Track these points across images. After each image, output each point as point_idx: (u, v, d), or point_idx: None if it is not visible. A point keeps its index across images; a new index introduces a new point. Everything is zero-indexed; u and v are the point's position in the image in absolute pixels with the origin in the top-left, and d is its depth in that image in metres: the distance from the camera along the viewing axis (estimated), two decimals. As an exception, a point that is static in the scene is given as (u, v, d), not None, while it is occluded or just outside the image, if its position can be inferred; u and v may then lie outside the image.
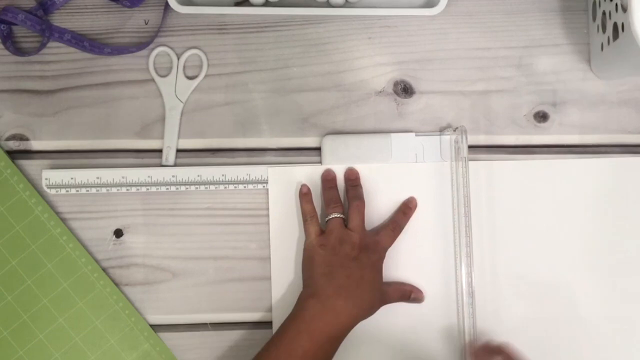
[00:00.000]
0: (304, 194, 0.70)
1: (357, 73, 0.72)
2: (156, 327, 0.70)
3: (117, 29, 0.73)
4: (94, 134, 0.71)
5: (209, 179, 0.70)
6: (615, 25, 0.64)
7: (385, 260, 0.68)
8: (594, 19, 0.71)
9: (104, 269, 0.70)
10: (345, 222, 0.68)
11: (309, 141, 0.72)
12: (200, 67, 0.72)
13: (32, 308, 0.69)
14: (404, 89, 0.72)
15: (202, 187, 0.70)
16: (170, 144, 0.71)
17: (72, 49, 0.72)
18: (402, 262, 0.70)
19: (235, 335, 0.70)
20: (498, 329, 0.70)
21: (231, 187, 0.70)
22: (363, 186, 0.70)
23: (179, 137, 0.71)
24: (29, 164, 0.71)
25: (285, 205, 0.70)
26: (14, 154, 0.71)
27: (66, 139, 0.71)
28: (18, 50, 0.72)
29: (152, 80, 0.72)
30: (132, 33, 0.73)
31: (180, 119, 0.72)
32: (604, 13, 0.68)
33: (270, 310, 0.70)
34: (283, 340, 0.63)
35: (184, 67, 0.72)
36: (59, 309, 0.69)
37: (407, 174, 0.71)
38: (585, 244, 0.71)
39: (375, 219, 0.71)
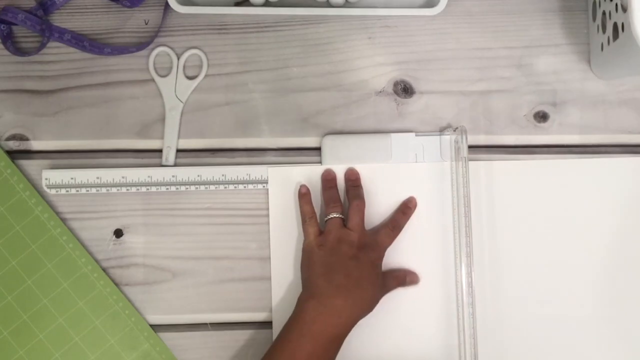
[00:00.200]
0: (303, 195, 0.70)
1: (357, 73, 0.72)
2: (156, 327, 0.70)
3: (117, 29, 0.73)
4: (94, 134, 0.71)
5: (209, 179, 0.70)
6: (615, 25, 0.64)
7: (385, 261, 0.68)
8: (594, 19, 0.71)
9: (104, 269, 0.70)
10: (344, 222, 0.68)
11: (309, 141, 0.72)
12: (200, 67, 0.72)
13: (32, 308, 0.69)
14: (404, 89, 0.72)
15: (202, 187, 0.70)
16: (170, 144, 0.71)
17: (72, 49, 0.72)
18: (402, 262, 0.70)
19: (235, 335, 0.70)
20: (498, 329, 0.70)
21: (231, 187, 0.70)
22: (363, 186, 0.70)
23: (179, 137, 0.71)
24: (29, 164, 0.71)
25: (285, 205, 0.70)
26: (14, 154, 0.71)
27: (66, 139, 0.71)
28: (18, 50, 0.72)
29: (152, 80, 0.72)
30: (132, 33, 0.73)
31: (180, 119, 0.72)
32: (604, 13, 0.68)
33: (270, 310, 0.70)
34: (285, 345, 0.63)
35: (184, 67, 0.72)
36: (59, 309, 0.69)
37: (407, 174, 0.71)
38: (585, 244, 0.71)
39: (375, 219, 0.71)
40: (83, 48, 0.71)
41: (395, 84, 0.72)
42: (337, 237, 0.66)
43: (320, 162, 0.71)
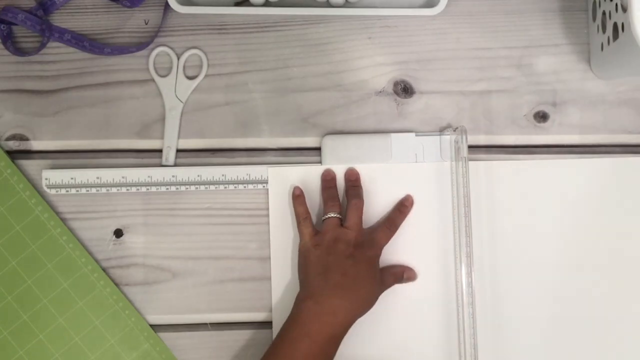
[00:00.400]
0: (297, 196, 0.70)
1: (357, 73, 0.72)
2: (156, 327, 0.70)
3: (117, 29, 0.73)
4: (94, 134, 0.71)
5: (209, 179, 0.70)
6: (615, 25, 0.64)
7: (386, 260, 0.68)
8: (594, 19, 0.71)
9: (104, 269, 0.70)
10: (342, 222, 0.68)
11: (309, 141, 0.72)
12: (200, 67, 0.72)
13: (32, 308, 0.69)
14: (404, 89, 0.72)
15: (202, 187, 0.70)
16: (170, 144, 0.71)
17: (72, 49, 0.72)
18: (402, 261, 0.70)
19: (235, 335, 0.70)
20: (498, 329, 0.70)
21: (231, 187, 0.70)
22: (363, 186, 0.70)
23: (179, 137, 0.71)
24: (29, 164, 0.71)
25: (285, 205, 0.70)
26: (14, 154, 0.71)
27: (66, 139, 0.71)
28: (18, 50, 0.72)
29: (152, 80, 0.72)
30: (132, 33, 0.73)
31: (180, 119, 0.72)
32: (604, 13, 0.68)
33: (270, 310, 0.70)
34: (283, 345, 0.63)
35: (184, 67, 0.72)
36: (59, 309, 0.69)
37: (407, 174, 0.71)
38: (585, 244, 0.71)
39: (375, 219, 0.70)
40: (83, 48, 0.71)
41: (395, 84, 0.72)
42: (334, 237, 0.66)
43: (320, 162, 0.71)
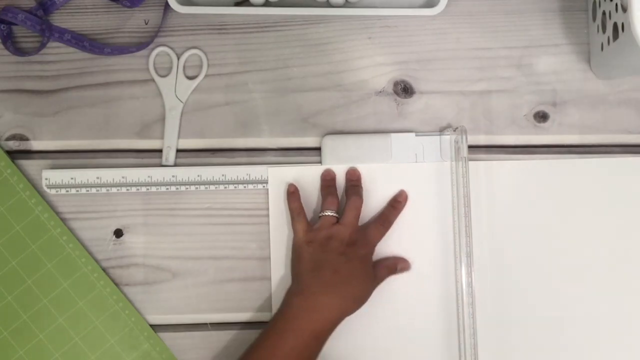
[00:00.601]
0: (291, 193, 0.70)
1: (357, 73, 0.72)
2: (156, 327, 0.70)
3: (117, 29, 0.73)
4: (94, 134, 0.71)
5: (209, 179, 0.70)
6: (615, 25, 0.64)
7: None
8: (594, 19, 0.71)
9: (104, 269, 0.70)
10: (338, 220, 0.68)
11: (309, 141, 0.72)
12: (200, 67, 0.72)
13: (32, 308, 0.69)
14: (404, 89, 0.72)
15: (202, 187, 0.70)
16: (170, 144, 0.71)
17: (72, 49, 0.72)
18: (402, 262, 0.70)
19: (235, 335, 0.70)
20: (498, 329, 0.70)
21: (231, 187, 0.70)
22: (363, 186, 0.70)
23: (179, 137, 0.71)
24: (29, 164, 0.71)
25: (285, 205, 0.70)
26: (14, 154, 0.71)
27: (66, 139, 0.71)
28: (18, 50, 0.72)
29: (152, 80, 0.72)
30: (132, 33, 0.73)
31: (180, 119, 0.72)
32: (604, 13, 0.68)
33: (270, 310, 0.70)
34: (268, 339, 0.63)
35: (184, 67, 0.72)
36: (59, 309, 0.69)
37: (407, 174, 0.71)
38: (585, 244, 0.71)
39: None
40: (83, 48, 0.71)
41: (395, 84, 0.72)
42: (328, 234, 0.66)
43: (320, 162, 0.71)
